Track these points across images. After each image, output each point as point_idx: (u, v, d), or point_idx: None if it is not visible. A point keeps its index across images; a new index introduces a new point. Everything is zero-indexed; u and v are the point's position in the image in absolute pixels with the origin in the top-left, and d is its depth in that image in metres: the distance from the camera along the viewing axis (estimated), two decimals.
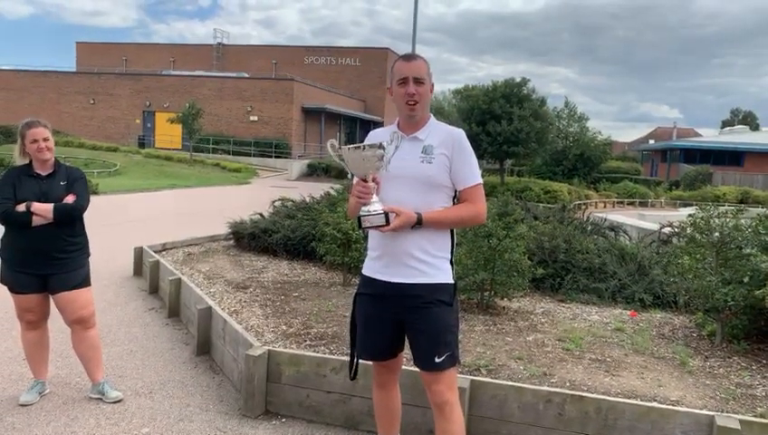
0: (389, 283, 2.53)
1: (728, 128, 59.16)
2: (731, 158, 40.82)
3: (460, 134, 2.55)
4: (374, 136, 2.63)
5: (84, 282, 3.70)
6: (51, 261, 3.55)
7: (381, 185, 2.49)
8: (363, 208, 2.42)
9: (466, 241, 5.38)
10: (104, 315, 5.41)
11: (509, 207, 5.76)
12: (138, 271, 7.32)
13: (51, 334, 3.92)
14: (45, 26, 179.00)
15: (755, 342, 4.54)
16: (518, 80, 26.94)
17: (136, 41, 71.13)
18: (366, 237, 5.64)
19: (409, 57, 2.55)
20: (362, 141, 2.51)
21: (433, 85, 2.58)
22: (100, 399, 3.76)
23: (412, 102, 2.49)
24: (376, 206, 2.41)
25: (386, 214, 2.38)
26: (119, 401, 3.76)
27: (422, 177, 2.48)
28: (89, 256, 3.79)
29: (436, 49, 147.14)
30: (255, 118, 38.32)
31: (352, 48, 50.30)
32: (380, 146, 2.40)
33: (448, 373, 2.52)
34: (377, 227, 2.40)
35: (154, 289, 6.49)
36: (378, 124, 46.37)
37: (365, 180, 2.43)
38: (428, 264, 2.50)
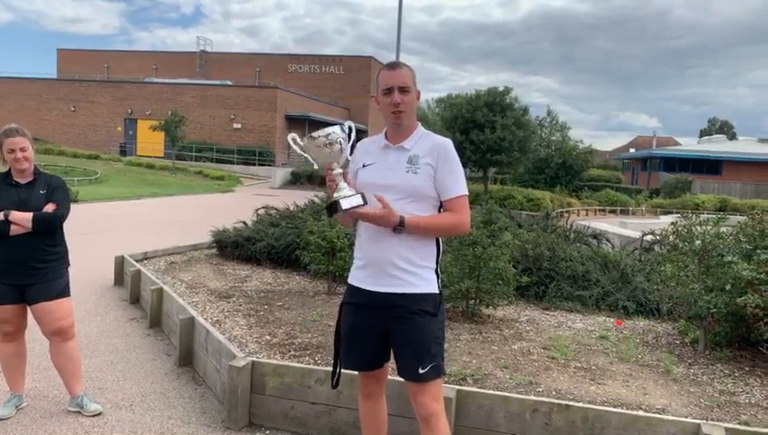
0: (374, 292, 2.51)
1: (706, 137, 60.06)
2: (709, 166, 41.45)
3: (446, 144, 2.52)
4: (363, 146, 2.65)
5: (63, 292, 3.62)
6: (29, 271, 3.47)
7: (366, 194, 2.48)
8: (336, 195, 2.41)
9: (452, 249, 5.37)
10: (84, 326, 5.31)
11: (493, 215, 5.76)
12: (118, 280, 7.21)
13: (28, 346, 3.83)
14: (25, 33, 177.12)
15: (737, 349, 4.58)
16: (501, 89, 27.13)
17: (118, 48, 70.60)
18: (351, 245, 5.59)
19: (393, 66, 2.53)
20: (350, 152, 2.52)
21: (419, 93, 2.56)
22: (79, 412, 3.67)
23: (398, 112, 2.48)
24: (347, 190, 2.41)
25: (362, 194, 2.39)
26: (98, 415, 3.67)
27: (407, 187, 2.46)
28: (69, 265, 3.71)
29: (419, 58, 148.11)
30: (239, 126, 38.14)
31: (336, 56, 50.29)
32: (333, 132, 2.41)
33: (433, 384, 2.49)
34: (356, 209, 2.38)
35: (135, 299, 6.39)
36: (362, 132, 46.39)
37: (332, 169, 2.43)
38: (413, 273, 2.48)
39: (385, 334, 2.54)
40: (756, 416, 3.43)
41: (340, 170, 2.45)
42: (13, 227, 3.38)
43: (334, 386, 2.69)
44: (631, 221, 19.66)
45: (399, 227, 2.41)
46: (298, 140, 2.50)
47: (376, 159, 2.56)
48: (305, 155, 2.49)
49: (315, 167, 2.57)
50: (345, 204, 2.37)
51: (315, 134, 2.42)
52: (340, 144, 2.43)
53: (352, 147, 2.55)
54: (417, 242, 2.48)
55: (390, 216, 2.39)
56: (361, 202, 2.38)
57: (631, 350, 4.54)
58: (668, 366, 4.17)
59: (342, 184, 2.43)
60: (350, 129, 2.51)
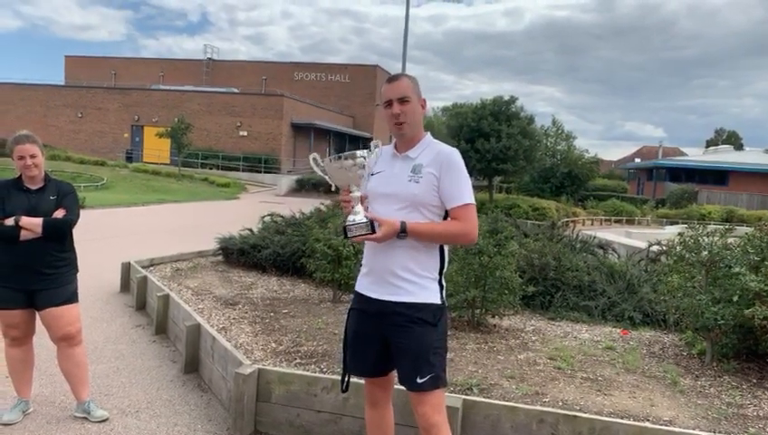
0: (375, 299, 2.52)
1: (713, 147, 59.89)
2: (716, 177, 41.34)
3: (451, 153, 2.50)
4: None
5: (72, 298, 3.64)
6: (38, 276, 3.49)
7: (369, 202, 2.51)
8: (348, 218, 2.43)
9: (458, 258, 5.37)
10: (90, 332, 5.33)
11: (499, 225, 5.76)
12: (125, 287, 7.23)
13: (35, 351, 3.85)
14: (34, 40, 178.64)
15: (745, 361, 4.55)
16: (506, 98, 27.18)
17: (125, 55, 71.00)
18: (357, 254, 5.58)
19: (392, 79, 2.55)
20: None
21: (425, 101, 2.57)
22: (86, 418, 3.69)
23: (399, 122, 2.50)
24: (360, 216, 2.42)
25: (371, 222, 2.39)
26: (104, 421, 3.68)
27: (408, 196, 2.46)
28: (77, 271, 3.73)
29: (423, 67, 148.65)
30: (245, 133, 38.29)
31: (341, 65, 50.50)
32: (360, 156, 2.44)
33: (434, 395, 2.46)
34: (363, 236, 2.40)
35: (141, 305, 6.41)
36: (367, 140, 46.42)
37: (349, 191, 2.45)
38: (412, 283, 2.47)
39: (386, 342, 2.54)
40: (764, 429, 3.41)
41: (359, 194, 2.45)
42: (23, 233, 3.40)
43: (344, 390, 2.69)
44: (636, 231, 19.61)
45: (402, 233, 2.41)
46: (319, 160, 2.52)
47: (385, 168, 2.57)
48: (324, 176, 2.52)
49: (332, 189, 2.58)
50: (351, 232, 2.40)
51: (341, 155, 2.44)
52: (363, 168, 2.44)
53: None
54: (419, 252, 2.48)
55: (391, 230, 2.39)
56: (369, 231, 2.39)
57: (638, 361, 4.51)
58: (675, 378, 4.15)
59: (358, 208, 2.43)
60: (375, 147, 2.53)
